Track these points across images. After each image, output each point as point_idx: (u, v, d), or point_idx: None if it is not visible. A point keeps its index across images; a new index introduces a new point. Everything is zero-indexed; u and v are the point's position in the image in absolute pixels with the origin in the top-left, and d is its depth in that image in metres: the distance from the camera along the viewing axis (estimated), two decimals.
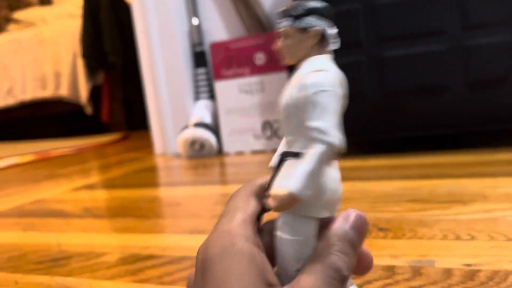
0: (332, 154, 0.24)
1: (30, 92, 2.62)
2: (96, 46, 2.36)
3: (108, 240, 0.57)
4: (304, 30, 0.26)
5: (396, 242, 0.45)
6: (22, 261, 0.52)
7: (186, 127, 1.24)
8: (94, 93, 2.50)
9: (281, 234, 0.26)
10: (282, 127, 0.28)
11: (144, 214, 0.69)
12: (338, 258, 0.23)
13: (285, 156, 0.28)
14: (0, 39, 2.85)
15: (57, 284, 0.44)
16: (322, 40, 0.27)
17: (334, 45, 0.27)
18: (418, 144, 0.96)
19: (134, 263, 0.48)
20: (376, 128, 0.86)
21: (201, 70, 1.28)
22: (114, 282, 0.43)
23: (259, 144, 1.16)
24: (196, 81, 1.31)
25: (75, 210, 0.77)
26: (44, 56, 2.59)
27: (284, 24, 0.27)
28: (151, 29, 1.31)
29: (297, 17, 0.26)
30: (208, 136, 1.21)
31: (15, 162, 1.66)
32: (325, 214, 0.26)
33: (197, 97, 1.31)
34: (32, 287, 0.44)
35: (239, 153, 1.19)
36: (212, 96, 1.29)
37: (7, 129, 3.00)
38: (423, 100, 0.82)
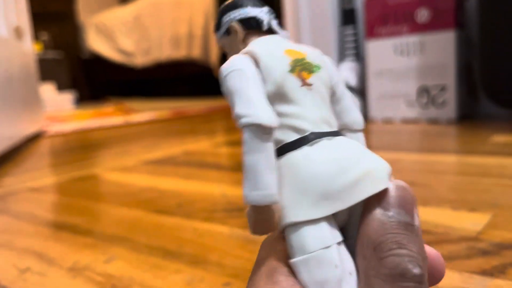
0: (258, 135, 0.19)
1: (165, 52, 2.74)
2: None
3: None
4: (227, 31, 0.25)
5: None
6: (193, 209, 0.50)
7: None
8: (224, 57, 2.53)
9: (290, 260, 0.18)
10: None
11: None
12: (395, 259, 0.16)
13: None
14: (141, 3, 3.01)
15: (238, 235, 0.40)
16: (248, 29, 0.24)
17: (262, 24, 0.24)
18: None
19: None
20: None
21: (349, 29, 1.19)
22: None
23: (412, 112, 1.04)
24: (341, 41, 1.22)
25: (228, 163, 0.75)
26: (179, 18, 2.67)
27: (217, 41, 0.26)
28: None
29: (217, 26, 0.25)
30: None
31: (154, 117, 1.73)
32: (322, 212, 0.18)
33: (341, 58, 1.23)
34: (213, 236, 0.41)
35: (387, 121, 1.09)
36: (358, 57, 1.20)
37: (144, 87, 3.20)
38: None
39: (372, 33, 1.08)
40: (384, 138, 0.89)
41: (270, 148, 0.19)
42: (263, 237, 0.21)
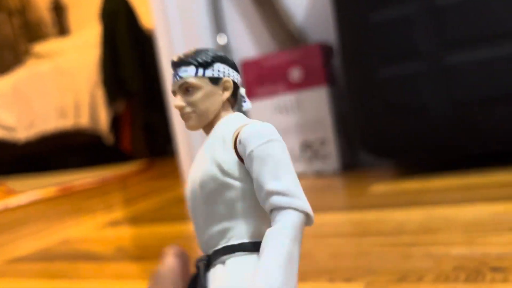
0: (303, 225, 0.19)
1: (51, 123, 2.58)
2: (114, 73, 2.32)
3: None
4: (215, 80, 0.21)
5: None
6: None
7: None
8: (115, 123, 2.45)
9: None
10: (196, 221, 0.23)
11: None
12: None
13: (217, 255, 0.22)
14: (20, 73, 2.85)
15: None
16: (234, 96, 0.23)
17: (247, 104, 0.23)
18: (491, 160, 0.85)
19: None
20: (443, 145, 0.77)
21: None
22: None
23: (298, 167, 1.07)
24: None
25: (108, 251, 0.69)
26: (63, 87, 2.56)
27: (186, 75, 0.21)
28: (176, 50, 1.24)
29: (203, 65, 0.21)
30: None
31: (38, 197, 1.59)
32: None
33: None
34: None
35: None
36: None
37: (29, 162, 2.97)
38: (498, 111, 0.72)
39: (251, 93, 1.10)
40: None
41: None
42: None
